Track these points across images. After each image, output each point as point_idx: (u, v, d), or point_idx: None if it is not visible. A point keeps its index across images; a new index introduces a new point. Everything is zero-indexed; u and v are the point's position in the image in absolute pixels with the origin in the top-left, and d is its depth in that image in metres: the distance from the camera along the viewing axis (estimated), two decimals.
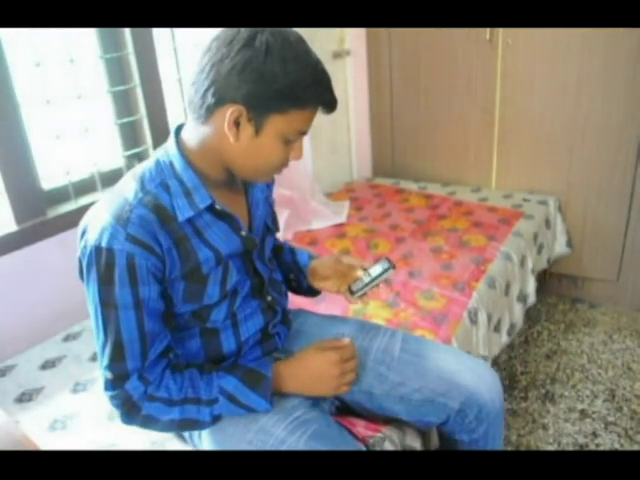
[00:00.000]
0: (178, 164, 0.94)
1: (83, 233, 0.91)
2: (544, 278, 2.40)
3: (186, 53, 1.91)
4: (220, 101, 0.86)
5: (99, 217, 0.90)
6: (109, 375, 0.92)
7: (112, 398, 0.94)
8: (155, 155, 0.97)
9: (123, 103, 1.79)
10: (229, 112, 0.85)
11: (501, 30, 2.17)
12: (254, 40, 0.84)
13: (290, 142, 0.92)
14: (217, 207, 0.96)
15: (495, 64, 2.23)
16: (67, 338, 1.52)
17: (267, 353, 1.11)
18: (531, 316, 2.27)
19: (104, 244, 0.86)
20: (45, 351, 1.47)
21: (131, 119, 1.79)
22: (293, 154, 0.95)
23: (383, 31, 2.46)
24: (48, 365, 1.41)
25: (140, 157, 1.86)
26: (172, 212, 0.92)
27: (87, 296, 0.93)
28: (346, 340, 1.07)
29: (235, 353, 1.06)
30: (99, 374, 1.34)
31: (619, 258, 2.24)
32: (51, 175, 1.62)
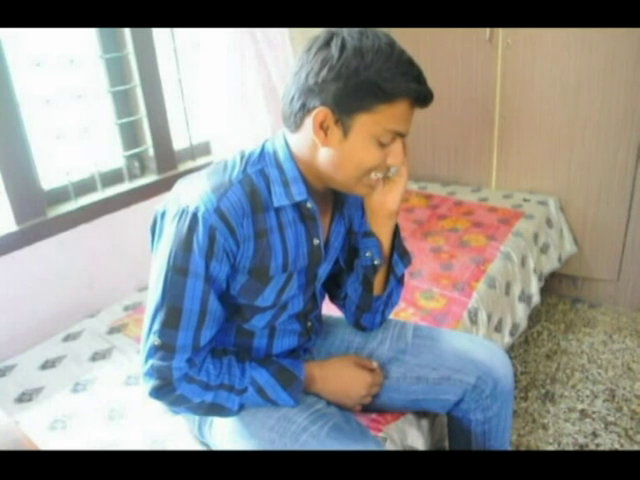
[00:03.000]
0: (282, 154, 0.93)
1: (177, 192, 0.91)
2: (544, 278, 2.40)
3: (186, 53, 1.91)
4: (305, 107, 0.85)
5: (198, 182, 0.90)
6: (157, 341, 0.90)
7: (151, 368, 0.91)
8: (263, 142, 0.97)
9: (123, 103, 1.79)
10: (313, 115, 0.84)
11: (501, 30, 2.17)
12: (330, 41, 0.83)
13: (385, 145, 0.87)
14: (309, 205, 0.94)
15: (495, 64, 2.23)
16: (67, 338, 1.52)
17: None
18: (531, 316, 2.27)
19: (192, 209, 0.86)
20: (45, 351, 1.47)
21: (131, 119, 1.79)
22: (391, 159, 0.90)
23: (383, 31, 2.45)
24: (48, 365, 1.41)
25: (140, 157, 1.86)
26: (264, 200, 0.91)
27: (154, 254, 0.91)
28: (375, 364, 1.10)
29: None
30: (99, 374, 1.35)
31: (619, 258, 2.24)
32: (51, 175, 1.63)
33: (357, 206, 1.09)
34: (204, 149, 2.04)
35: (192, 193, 0.88)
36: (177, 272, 0.87)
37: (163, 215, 0.90)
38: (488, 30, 2.18)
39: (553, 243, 2.19)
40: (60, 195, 1.64)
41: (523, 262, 1.96)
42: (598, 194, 2.20)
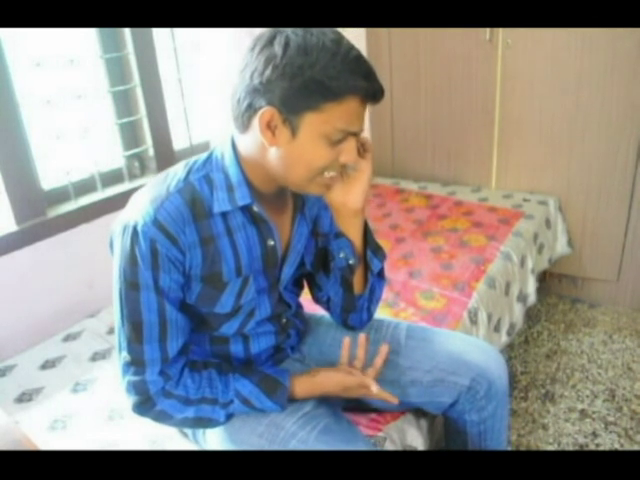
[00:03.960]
0: (228, 158, 0.92)
1: (127, 207, 0.91)
2: (544, 278, 2.40)
3: (186, 53, 1.91)
4: (251, 107, 0.84)
5: (140, 196, 0.90)
6: (127, 357, 0.90)
7: (128, 384, 0.92)
8: (213, 148, 0.96)
9: (123, 103, 1.79)
10: (259, 116, 0.82)
11: (501, 30, 2.17)
12: (274, 39, 0.81)
13: (337, 143, 0.85)
14: (254, 209, 0.93)
15: (495, 64, 2.23)
16: (67, 338, 1.52)
17: (278, 361, 1.12)
18: (531, 316, 2.27)
19: (132, 223, 0.86)
20: (45, 351, 1.47)
21: (131, 119, 1.79)
22: (344, 157, 0.87)
23: (383, 31, 2.46)
24: (48, 365, 1.41)
25: (140, 157, 1.86)
26: (208, 206, 0.90)
27: (113, 271, 0.92)
28: (374, 389, 0.98)
29: (244, 363, 1.06)
30: (99, 374, 1.35)
31: (619, 258, 2.24)
32: (51, 175, 1.63)
33: (323, 206, 1.07)
34: (204, 149, 2.04)
35: (134, 207, 0.89)
36: (129, 287, 0.88)
37: (114, 231, 0.91)
38: (488, 30, 2.18)
39: (547, 244, 2.19)
40: (60, 195, 1.64)
41: (522, 262, 1.96)
42: (598, 194, 2.20)
